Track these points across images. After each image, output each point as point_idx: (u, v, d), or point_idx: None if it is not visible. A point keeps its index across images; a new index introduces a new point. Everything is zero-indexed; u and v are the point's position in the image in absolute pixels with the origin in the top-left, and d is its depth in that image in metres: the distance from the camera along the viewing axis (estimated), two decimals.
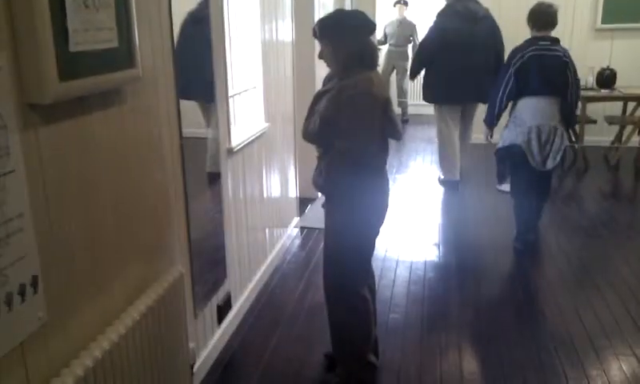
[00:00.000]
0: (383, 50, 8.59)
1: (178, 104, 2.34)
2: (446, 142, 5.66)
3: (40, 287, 1.47)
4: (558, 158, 3.99)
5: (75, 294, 1.66)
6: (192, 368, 2.49)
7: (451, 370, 2.81)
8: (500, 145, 4.13)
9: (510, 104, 4.11)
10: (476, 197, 5.43)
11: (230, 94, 3.04)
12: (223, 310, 2.99)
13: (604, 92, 6.34)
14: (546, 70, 3.91)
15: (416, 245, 4.35)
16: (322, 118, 2.36)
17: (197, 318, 2.64)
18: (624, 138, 6.65)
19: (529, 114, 3.93)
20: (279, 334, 3.09)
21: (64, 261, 1.59)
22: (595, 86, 6.43)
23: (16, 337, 1.41)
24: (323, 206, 2.59)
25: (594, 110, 6.55)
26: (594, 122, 6.48)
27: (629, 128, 6.58)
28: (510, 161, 4.11)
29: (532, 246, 4.23)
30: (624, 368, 2.78)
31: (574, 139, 6.40)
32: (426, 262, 4.04)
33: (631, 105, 6.63)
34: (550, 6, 4.11)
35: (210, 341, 2.86)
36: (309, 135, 2.49)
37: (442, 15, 5.42)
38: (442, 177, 5.80)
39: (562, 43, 4.12)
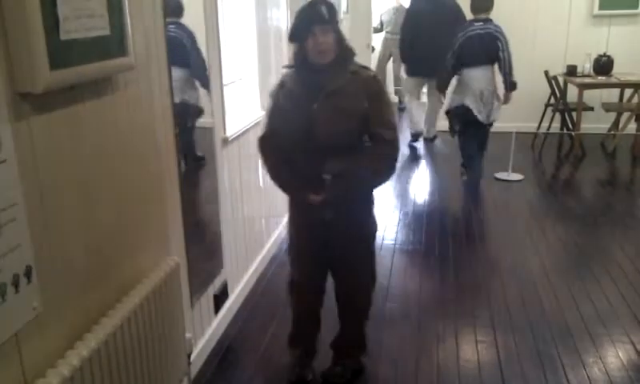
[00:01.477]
0: (379, 37, 8.55)
1: (171, 92, 2.32)
2: (412, 105, 6.92)
3: (34, 277, 1.46)
4: (496, 113, 5.14)
5: (70, 285, 1.65)
6: (189, 357, 2.49)
7: (448, 358, 2.82)
8: (449, 106, 5.38)
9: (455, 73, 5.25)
10: (472, 185, 5.42)
11: (224, 83, 3.02)
12: (220, 299, 2.99)
13: (601, 79, 6.32)
14: (482, 44, 5.01)
15: (412, 233, 4.35)
16: (361, 114, 2.23)
17: (193, 308, 2.64)
18: (621, 125, 6.65)
19: (472, 81, 5.08)
20: (276, 323, 3.09)
21: (58, 251, 1.58)
22: (592, 72, 6.41)
23: (10, 327, 1.40)
24: (328, 216, 2.32)
25: (591, 97, 6.54)
26: (591, 109, 6.47)
27: (626, 115, 6.57)
28: (458, 117, 5.27)
29: (476, 182, 5.37)
30: (620, 355, 2.79)
31: (570, 127, 6.44)
32: (421, 250, 4.04)
33: (628, 92, 6.62)
34: None
35: (207, 330, 2.86)
36: (388, 157, 2.31)
37: (413, 1, 6.57)
38: (410, 130, 6.97)
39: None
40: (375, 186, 2.42)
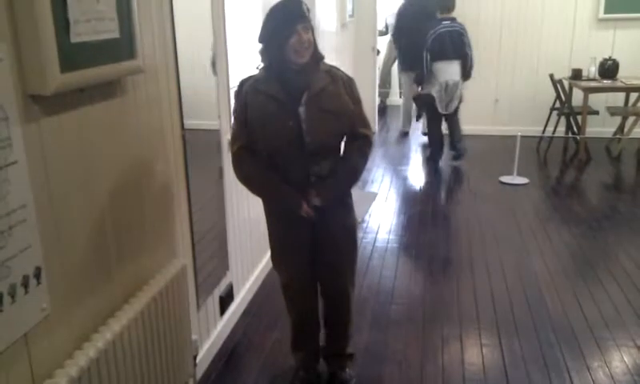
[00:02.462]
0: (385, 40, 8.56)
1: (179, 94, 2.34)
2: (404, 100, 7.52)
3: (43, 278, 1.47)
4: (457, 103, 5.91)
5: (78, 286, 1.67)
6: (195, 359, 2.50)
7: (453, 360, 2.82)
8: (418, 94, 6.13)
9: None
10: (479, 187, 5.42)
11: (231, 86, 3.03)
12: (225, 301, 3.00)
13: (606, 83, 6.31)
14: (451, 40, 5.73)
15: (417, 236, 4.35)
16: (348, 115, 2.26)
17: (199, 310, 2.65)
18: (626, 129, 6.62)
19: (439, 73, 5.80)
20: (281, 325, 3.09)
21: (67, 252, 1.60)
22: (597, 76, 6.39)
23: (20, 328, 1.41)
24: (315, 217, 2.31)
25: (596, 100, 6.52)
26: (596, 112, 6.45)
27: (631, 119, 6.55)
28: (425, 105, 6.08)
29: (436, 160, 6.23)
30: (625, 359, 2.78)
31: (575, 130, 6.43)
32: (426, 253, 4.04)
33: (634, 95, 6.60)
34: None
35: (213, 332, 2.86)
36: (370, 150, 2.36)
37: (401, 4, 7.15)
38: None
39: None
40: (356, 183, 2.45)
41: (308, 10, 2.15)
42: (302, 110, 2.17)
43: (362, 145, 2.34)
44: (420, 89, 6.11)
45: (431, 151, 6.33)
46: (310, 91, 2.18)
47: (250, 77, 2.26)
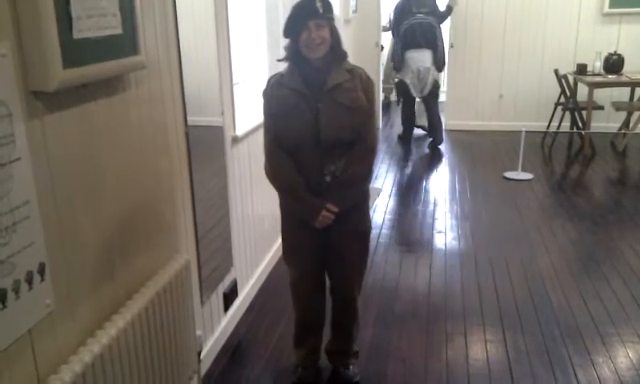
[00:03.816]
0: (389, 36, 8.53)
1: (182, 91, 2.33)
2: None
3: (47, 275, 1.48)
4: (429, 87, 6.44)
5: (82, 282, 1.67)
6: (199, 355, 2.50)
7: (457, 356, 2.81)
8: (394, 82, 7.11)
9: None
10: (484, 183, 5.41)
11: (234, 82, 3.03)
12: (229, 297, 3.00)
13: (611, 77, 6.28)
14: (422, 31, 6.35)
15: (421, 232, 4.35)
16: (362, 109, 2.25)
17: (203, 306, 2.65)
18: (631, 124, 6.60)
19: (411, 61, 6.42)
20: (285, 321, 3.10)
21: (71, 248, 1.60)
22: (602, 71, 6.37)
23: (24, 324, 1.41)
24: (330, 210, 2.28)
25: (601, 95, 6.50)
26: (601, 108, 6.43)
27: (636, 114, 6.53)
28: (400, 90, 6.89)
29: (408, 140, 7.01)
30: (630, 354, 2.77)
31: (580, 126, 6.41)
32: (431, 249, 4.04)
33: (639, 90, 6.57)
34: None
35: (217, 328, 2.87)
36: (375, 144, 2.38)
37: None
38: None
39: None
40: (367, 182, 2.43)
41: (327, 7, 2.16)
42: (320, 105, 2.21)
43: (364, 151, 2.30)
44: (396, 76, 6.90)
45: (403, 131, 7.03)
46: (326, 85, 2.21)
47: (277, 73, 2.34)
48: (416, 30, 6.35)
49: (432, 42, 6.36)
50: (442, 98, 8.01)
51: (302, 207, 2.32)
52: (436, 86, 6.61)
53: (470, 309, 3.24)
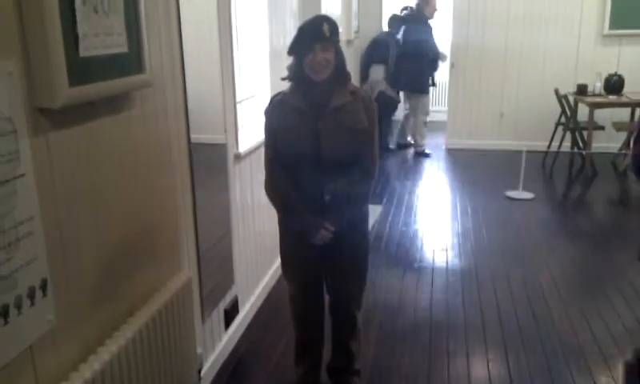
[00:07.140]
0: None
1: (186, 108, 2.35)
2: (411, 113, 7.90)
3: (49, 291, 1.48)
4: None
5: (84, 298, 1.67)
6: (199, 373, 2.49)
7: (459, 374, 2.80)
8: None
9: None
10: (485, 202, 5.41)
11: (237, 100, 3.05)
12: (230, 314, 2.99)
13: (612, 98, 6.30)
14: (376, 48, 7.28)
15: (423, 250, 4.34)
16: (363, 131, 2.26)
17: (204, 323, 2.65)
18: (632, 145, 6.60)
19: (371, 73, 7.30)
20: (286, 339, 3.08)
21: (72, 264, 1.60)
22: (603, 92, 6.40)
23: (25, 340, 1.41)
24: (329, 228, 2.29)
25: (602, 116, 6.51)
26: (602, 128, 6.45)
27: None
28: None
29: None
30: None
31: (581, 146, 6.42)
32: (433, 267, 4.03)
33: (639, 111, 6.59)
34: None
35: (218, 345, 2.86)
36: (375, 165, 2.36)
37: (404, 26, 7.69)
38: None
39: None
40: (365, 204, 2.44)
41: (333, 30, 2.18)
42: (321, 125, 2.22)
43: (364, 173, 2.32)
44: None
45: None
46: (329, 106, 2.23)
47: (280, 92, 2.35)
48: (375, 47, 7.32)
49: (384, 57, 7.15)
50: (441, 117, 8.25)
51: (301, 224, 2.33)
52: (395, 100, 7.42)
53: (472, 327, 3.22)
